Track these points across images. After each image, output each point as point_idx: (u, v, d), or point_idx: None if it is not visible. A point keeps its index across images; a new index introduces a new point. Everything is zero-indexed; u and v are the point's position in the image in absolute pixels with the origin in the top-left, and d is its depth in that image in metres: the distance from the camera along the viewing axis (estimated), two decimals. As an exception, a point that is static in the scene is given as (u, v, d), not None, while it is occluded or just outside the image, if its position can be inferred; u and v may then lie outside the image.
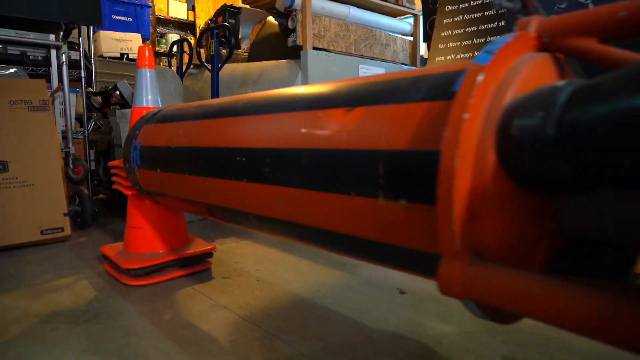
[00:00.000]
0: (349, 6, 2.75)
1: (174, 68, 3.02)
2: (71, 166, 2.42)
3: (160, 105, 1.67)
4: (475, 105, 0.51)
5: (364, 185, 0.64)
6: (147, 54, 1.62)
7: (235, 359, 1.06)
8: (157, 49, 4.45)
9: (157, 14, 4.61)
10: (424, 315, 1.28)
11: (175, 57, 3.07)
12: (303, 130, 0.76)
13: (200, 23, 4.71)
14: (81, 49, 2.48)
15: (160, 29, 4.75)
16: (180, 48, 2.89)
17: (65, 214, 2.09)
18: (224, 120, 1.00)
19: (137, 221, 1.61)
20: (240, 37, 4.46)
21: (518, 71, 0.54)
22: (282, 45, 2.70)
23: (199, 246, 1.69)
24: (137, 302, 1.41)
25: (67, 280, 1.61)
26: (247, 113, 0.93)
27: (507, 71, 0.55)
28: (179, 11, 4.80)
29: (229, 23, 4.21)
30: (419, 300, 1.39)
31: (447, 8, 2.93)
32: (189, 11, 4.91)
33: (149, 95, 1.62)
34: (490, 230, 0.51)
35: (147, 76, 1.62)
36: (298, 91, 0.86)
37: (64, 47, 2.32)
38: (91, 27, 3.26)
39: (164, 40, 4.72)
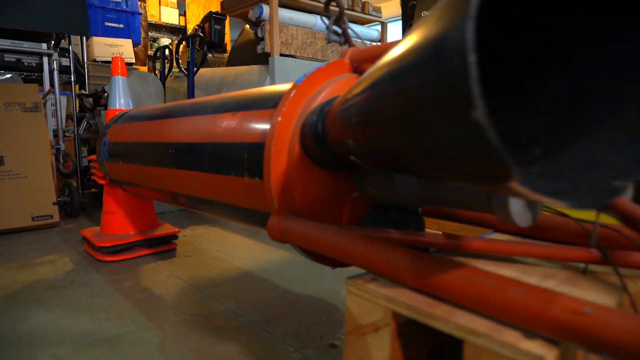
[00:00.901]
0: (316, 16, 3.00)
1: (157, 72, 3.29)
2: (62, 161, 2.70)
3: (131, 107, 1.93)
4: (286, 112, 0.76)
5: (237, 168, 0.90)
6: (119, 63, 1.88)
7: (175, 312, 1.32)
8: (149, 52, 4.72)
9: (149, 19, 4.89)
10: (342, 284, 1.54)
11: (159, 62, 3.33)
12: (206, 128, 1.02)
13: (191, 27, 4.98)
14: (71, 56, 2.75)
15: (153, 34, 5.03)
16: (163, 54, 3.15)
17: (54, 203, 2.37)
18: (163, 121, 1.26)
19: (111, 207, 1.88)
20: (226, 41, 4.72)
21: (324, 88, 0.80)
22: (256, 52, 2.96)
23: (165, 229, 1.95)
24: (106, 273, 1.67)
25: (51, 257, 1.88)
26: (177, 115, 1.19)
27: (319, 88, 0.80)
28: (171, 16, 5.09)
29: (215, 29, 4.48)
30: (344, 273, 1.65)
31: (424, 14, 3.16)
32: (180, 16, 5.19)
33: (122, 99, 1.89)
34: (298, 197, 0.77)
35: (119, 83, 1.88)
36: (211, 99, 1.11)
37: (55, 55, 2.59)
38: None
39: (156, 44, 5.00)
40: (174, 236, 1.97)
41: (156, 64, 3.33)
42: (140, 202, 1.92)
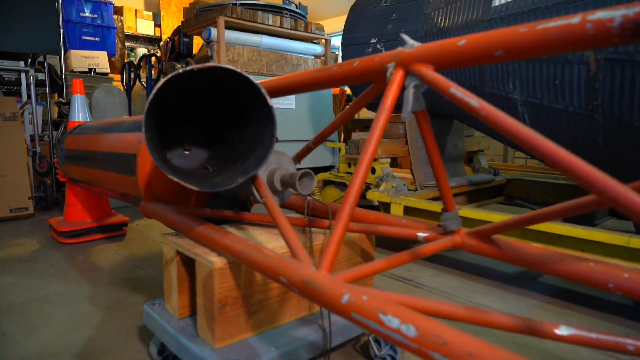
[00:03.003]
0: (262, 35, 3.45)
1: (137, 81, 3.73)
2: (38, 162, 3.14)
3: (88, 119, 2.38)
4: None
5: (126, 169, 1.35)
6: (78, 84, 2.33)
7: (108, 277, 1.77)
8: (126, 60, 5.16)
9: (126, 31, 5.32)
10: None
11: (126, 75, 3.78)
12: (116, 143, 1.47)
13: (165, 38, 5.41)
14: (46, 71, 3.19)
15: (130, 44, 5.46)
16: (129, 69, 3.60)
17: (29, 198, 2.81)
18: (97, 135, 1.71)
19: (71, 200, 2.33)
20: (194, 53, 5.14)
21: (176, 120, 1.25)
22: (209, 67, 3.40)
23: (116, 218, 2.40)
24: (65, 252, 2.13)
25: (22, 241, 2.33)
26: (105, 132, 1.64)
27: (174, 120, 1.26)
28: (147, 28, 5.52)
29: (183, 41, 4.92)
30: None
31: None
32: (156, 27, 5.63)
33: (80, 113, 2.33)
34: (157, 189, 1.23)
35: (78, 100, 2.33)
36: (126, 119, 1.57)
37: (31, 71, 3.03)
38: (62, 48, 3.95)
39: (133, 54, 5.43)
40: (124, 224, 2.42)
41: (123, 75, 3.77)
42: (95, 196, 2.37)
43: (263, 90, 0.86)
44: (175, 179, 0.82)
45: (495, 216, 1.66)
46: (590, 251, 1.45)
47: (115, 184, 1.48)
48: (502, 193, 2.75)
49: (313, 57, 3.84)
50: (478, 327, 1.27)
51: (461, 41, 0.66)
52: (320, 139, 1.06)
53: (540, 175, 2.81)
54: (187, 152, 1.13)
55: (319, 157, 3.57)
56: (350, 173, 2.41)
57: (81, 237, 2.29)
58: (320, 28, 3.83)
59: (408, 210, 2.01)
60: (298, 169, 1.01)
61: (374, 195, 2.12)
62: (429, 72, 0.70)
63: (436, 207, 1.87)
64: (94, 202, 2.36)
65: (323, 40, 3.90)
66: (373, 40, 2.31)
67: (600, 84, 1.34)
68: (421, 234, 0.94)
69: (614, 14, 0.51)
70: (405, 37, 0.76)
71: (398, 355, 1.10)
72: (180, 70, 0.79)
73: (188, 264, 1.02)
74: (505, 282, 1.74)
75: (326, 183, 2.52)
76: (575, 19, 0.55)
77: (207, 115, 1.12)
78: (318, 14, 6.99)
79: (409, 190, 2.19)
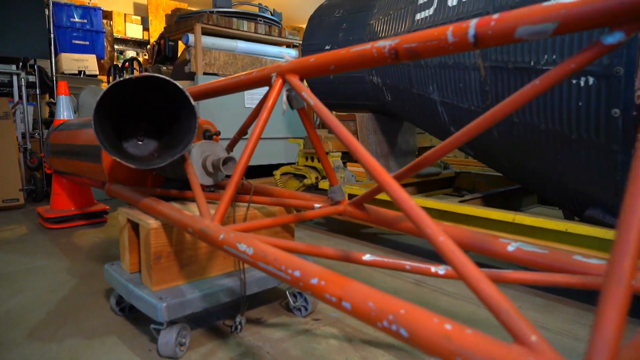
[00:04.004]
0: (237, 40, 3.72)
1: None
2: (28, 158, 3.40)
3: (72, 117, 2.64)
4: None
5: (96, 159, 1.62)
6: (63, 86, 2.60)
7: (86, 254, 2.04)
8: (115, 63, 5.42)
9: (115, 34, 5.58)
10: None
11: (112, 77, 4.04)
12: (86, 137, 1.74)
13: (153, 41, 5.67)
14: (37, 73, 3.45)
15: (119, 47, 5.73)
16: (114, 72, 3.86)
17: (20, 190, 3.08)
18: (75, 131, 1.98)
19: (57, 190, 2.59)
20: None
21: (135, 117, 1.52)
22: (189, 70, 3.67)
23: (98, 207, 2.67)
24: (50, 235, 2.39)
25: (12, 227, 2.60)
26: (82, 128, 1.91)
27: (133, 117, 1.53)
28: (135, 31, 5.78)
29: (169, 44, 5.19)
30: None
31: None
32: (144, 31, 5.89)
33: (65, 112, 2.60)
34: (118, 174, 1.49)
35: (63, 100, 2.60)
36: (97, 118, 1.83)
37: (22, 74, 3.29)
38: (52, 49, 4.20)
39: (122, 56, 5.70)
40: (105, 212, 2.69)
41: (111, 77, 4.03)
42: (79, 186, 2.63)
43: (187, 94, 1.14)
44: (117, 159, 1.09)
45: (429, 202, 1.93)
46: (484, 227, 1.72)
47: (89, 171, 1.75)
48: (452, 185, 3.02)
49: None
50: (317, 259, 1.56)
51: (312, 59, 0.93)
52: (242, 132, 1.33)
53: (485, 169, 3.10)
54: (140, 143, 1.40)
55: (290, 152, 3.84)
56: (308, 166, 2.68)
57: (66, 223, 2.55)
58: (295, 33, 4.10)
59: (351, 197, 2.28)
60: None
61: (324, 185, 2.39)
62: (295, 80, 0.97)
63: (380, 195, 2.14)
64: (77, 192, 2.63)
65: (299, 44, 4.17)
66: (327, 47, 2.58)
67: (489, 87, 1.61)
68: (317, 205, 1.21)
69: (385, 44, 0.78)
70: (284, 54, 1.03)
71: (309, 305, 1.37)
72: (119, 80, 1.06)
73: (136, 229, 1.29)
74: (427, 257, 2.01)
75: (288, 175, 2.79)
76: (367, 46, 0.82)
77: (158, 112, 1.39)
78: (300, 18, 7.25)
79: (357, 181, 2.47)
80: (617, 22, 0.55)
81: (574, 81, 1.30)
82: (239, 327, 1.25)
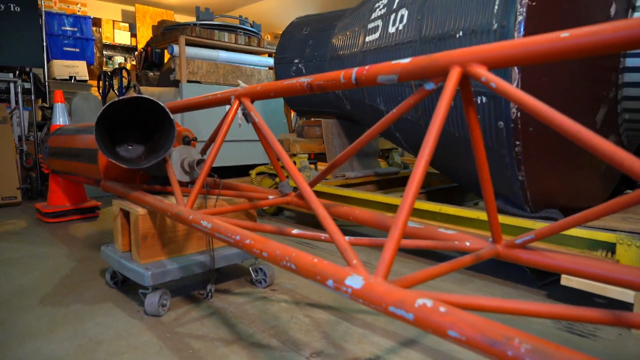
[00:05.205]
0: (219, 50, 4.03)
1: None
2: (24, 159, 3.68)
3: (68, 123, 2.94)
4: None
5: (92, 160, 1.93)
6: (59, 95, 2.89)
7: (82, 242, 2.35)
8: (104, 68, 5.69)
9: (104, 41, 5.85)
10: (189, 231, 2.58)
11: (102, 83, 4.33)
12: (83, 141, 2.05)
13: (141, 47, 5.96)
14: (31, 80, 3.73)
15: (108, 52, 5.99)
16: (104, 79, 4.15)
17: (17, 188, 3.36)
18: (73, 135, 2.28)
19: (53, 188, 2.89)
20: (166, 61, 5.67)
21: (125, 126, 1.84)
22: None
23: (91, 203, 2.97)
24: (48, 228, 2.69)
25: (13, 221, 2.89)
26: (79, 133, 2.22)
27: (124, 125, 1.85)
28: (123, 38, 6.06)
29: (156, 52, 5.48)
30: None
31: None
32: (132, 37, 6.17)
33: (61, 118, 2.90)
34: (112, 172, 1.81)
35: (59, 107, 2.89)
36: (91, 124, 2.15)
37: (19, 81, 3.57)
38: (45, 57, 4.47)
39: (111, 62, 5.97)
40: (97, 207, 2.99)
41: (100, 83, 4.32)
42: (73, 185, 2.93)
43: (167, 110, 1.46)
44: (111, 159, 1.41)
45: (378, 197, 2.27)
46: (421, 217, 2.07)
47: (85, 171, 2.06)
48: (411, 183, 3.37)
49: (266, 69, 4.44)
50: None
51: (259, 87, 1.27)
52: (211, 139, 1.66)
53: (439, 168, 3.46)
54: (130, 147, 1.72)
55: (265, 154, 4.16)
56: (281, 167, 3.01)
57: (61, 217, 2.85)
58: (273, 43, 4.43)
59: (317, 194, 2.62)
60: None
61: (291, 183, 2.73)
62: (247, 102, 1.31)
63: (333, 190, 2.48)
64: (72, 190, 2.92)
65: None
66: (296, 61, 2.91)
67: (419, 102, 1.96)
68: (270, 196, 1.55)
69: (304, 80, 1.12)
70: (240, 82, 1.36)
71: (267, 278, 1.70)
72: (114, 100, 1.38)
73: (127, 216, 1.61)
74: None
75: (263, 174, 3.12)
76: (294, 81, 1.15)
77: (144, 123, 1.71)
78: (282, 25, 7.58)
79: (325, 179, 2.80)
80: (430, 76, 0.89)
81: (476, 98, 1.65)
82: (210, 294, 1.58)
